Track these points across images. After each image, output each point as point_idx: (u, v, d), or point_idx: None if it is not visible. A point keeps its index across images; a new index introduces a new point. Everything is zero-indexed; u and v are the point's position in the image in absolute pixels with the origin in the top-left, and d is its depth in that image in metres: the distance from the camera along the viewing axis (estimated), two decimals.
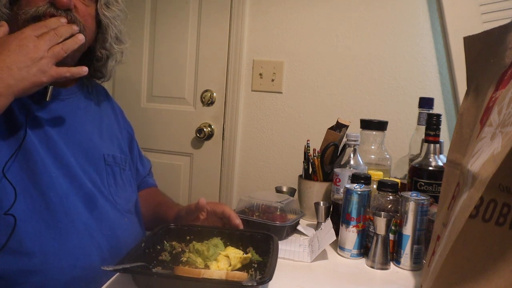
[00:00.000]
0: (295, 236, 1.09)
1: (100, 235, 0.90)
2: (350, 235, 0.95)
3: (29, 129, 0.86)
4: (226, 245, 0.87)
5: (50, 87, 0.91)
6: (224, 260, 0.81)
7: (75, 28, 0.84)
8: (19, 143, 0.84)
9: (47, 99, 0.91)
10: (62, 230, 0.85)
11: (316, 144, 1.27)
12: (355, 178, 1.00)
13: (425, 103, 1.25)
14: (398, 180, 1.06)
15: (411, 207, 0.89)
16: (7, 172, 0.82)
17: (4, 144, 0.84)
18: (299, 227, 1.12)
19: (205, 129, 1.90)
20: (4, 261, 0.79)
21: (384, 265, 0.90)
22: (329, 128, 1.30)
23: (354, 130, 1.22)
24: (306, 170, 1.25)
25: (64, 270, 0.83)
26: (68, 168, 0.90)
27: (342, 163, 1.14)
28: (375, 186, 1.05)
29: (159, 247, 0.86)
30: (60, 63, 0.89)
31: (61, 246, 0.83)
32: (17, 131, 0.85)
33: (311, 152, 1.25)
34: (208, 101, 1.91)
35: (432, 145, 1.01)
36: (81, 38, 0.84)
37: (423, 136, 1.06)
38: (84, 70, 0.84)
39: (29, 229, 0.81)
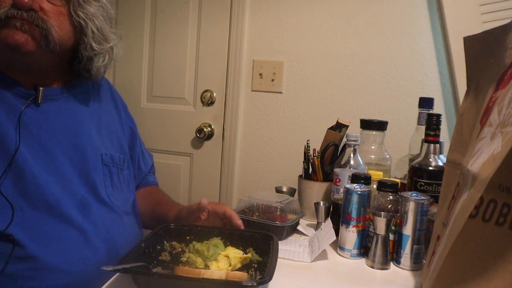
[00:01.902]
0: (295, 236, 1.09)
1: (97, 239, 0.89)
2: (350, 235, 0.95)
3: (22, 137, 0.85)
4: (226, 245, 0.88)
5: (41, 89, 0.90)
6: (224, 260, 0.81)
7: None
8: (11, 155, 0.83)
9: (39, 101, 0.90)
10: (55, 237, 0.84)
11: (316, 144, 1.27)
12: (355, 178, 1.00)
13: (425, 103, 1.25)
14: (398, 180, 1.06)
15: (411, 207, 0.89)
16: (1, 187, 0.81)
17: (2, 154, 0.82)
18: (299, 227, 1.12)
19: (205, 129, 1.90)
20: None
21: (384, 265, 0.90)
22: (329, 128, 1.30)
23: (354, 130, 1.22)
24: (306, 170, 1.25)
25: (57, 276, 0.82)
26: (61, 174, 0.89)
27: (342, 163, 1.14)
28: (375, 186, 1.05)
29: (159, 247, 0.86)
30: (36, 63, 0.89)
31: (54, 253, 0.83)
32: (9, 141, 0.84)
33: (311, 152, 1.25)
34: (208, 101, 1.91)
35: (432, 145, 1.01)
36: None
37: (423, 136, 1.06)
38: None
39: (22, 237, 0.80)
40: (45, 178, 0.86)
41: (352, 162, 1.12)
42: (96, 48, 0.95)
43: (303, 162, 1.26)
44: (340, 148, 1.24)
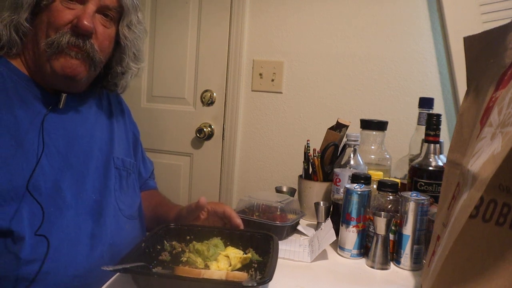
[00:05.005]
0: (295, 236, 1.09)
1: (103, 243, 0.90)
2: (350, 235, 0.95)
3: (45, 142, 0.86)
4: (226, 245, 0.88)
5: (64, 95, 0.92)
6: (224, 260, 0.81)
7: None
8: (35, 159, 0.84)
9: (60, 107, 0.92)
10: (65, 241, 0.84)
11: (316, 144, 1.27)
12: (355, 178, 1.00)
13: (425, 103, 1.25)
14: (398, 180, 1.06)
15: (411, 207, 0.89)
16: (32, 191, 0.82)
17: (19, 158, 0.83)
18: (299, 227, 1.12)
19: (205, 129, 1.90)
20: (3, 267, 0.78)
21: (384, 265, 0.90)
22: (329, 128, 1.30)
23: (354, 130, 1.22)
24: (306, 170, 1.25)
25: (62, 279, 0.82)
26: (75, 179, 0.90)
27: (342, 163, 1.14)
28: (375, 186, 1.05)
29: (159, 247, 0.86)
30: (77, 86, 0.93)
31: (63, 256, 0.83)
32: (31, 145, 0.85)
33: (311, 152, 1.25)
34: (208, 101, 1.91)
35: (432, 145, 1.01)
36: None
37: (423, 136, 1.06)
38: None
39: (31, 239, 0.80)
40: (59, 183, 0.87)
41: (352, 162, 1.12)
42: (133, 68, 1.03)
43: (303, 162, 1.26)
44: (340, 148, 1.24)
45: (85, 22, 0.87)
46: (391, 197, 0.96)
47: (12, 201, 0.80)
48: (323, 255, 0.95)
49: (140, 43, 1.02)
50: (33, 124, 0.87)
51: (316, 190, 1.22)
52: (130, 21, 0.97)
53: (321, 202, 1.12)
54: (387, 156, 1.26)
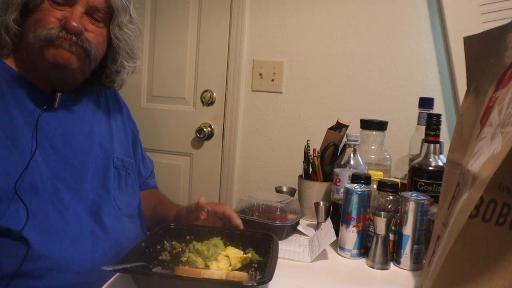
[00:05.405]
0: (295, 236, 1.09)
1: (105, 241, 0.90)
2: (350, 235, 0.95)
3: (38, 142, 0.86)
4: (226, 245, 0.88)
5: (59, 94, 0.92)
6: (224, 260, 0.81)
7: None
8: (27, 159, 0.84)
9: (56, 106, 0.91)
10: (67, 239, 0.85)
11: (316, 144, 1.27)
12: (355, 178, 1.00)
13: (425, 103, 1.25)
14: (398, 180, 1.06)
15: (411, 207, 0.89)
16: (18, 189, 0.82)
17: (14, 157, 0.83)
18: (299, 227, 1.12)
19: (205, 129, 1.90)
20: (5, 264, 0.78)
21: (384, 265, 0.90)
22: (329, 128, 1.30)
23: (354, 130, 1.22)
24: (306, 170, 1.25)
25: (65, 276, 0.83)
26: (73, 178, 0.90)
27: (342, 163, 1.14)
28: (375, 186, 1.05)
29: (159, 247, 0.86)
30: (72, 78, 0.92)
31: (65, 253, 0.83)
32: (25, 145, 0.85)
33: (311, 152, 1.25)
34: (208, 101, 1.91)
35: (432, 145, 1.01)
36: None
37: (423, 136, 1.06)
38: None
39: (37, 238, 0.81)
40: (57, 182, 0.87)
41: (352, 162, 1.12)
42: (126, 66, 1.03)
43: (303, 162, 1.26)
44: (340, 148, 1.24)
45: (73, 23, 0.87)
46: (391, 197, 0.96)
47: (7, 201, 0.80)
48: (323, 255, 0.95)
49: (133, 42, 1.02)
50: (28, 124, 0.87)
51: (316, 190, 1.22)
52: (121, 21, 0.97)
53: (321, 202, 1.12)
54: (387, 156, 1.26)
